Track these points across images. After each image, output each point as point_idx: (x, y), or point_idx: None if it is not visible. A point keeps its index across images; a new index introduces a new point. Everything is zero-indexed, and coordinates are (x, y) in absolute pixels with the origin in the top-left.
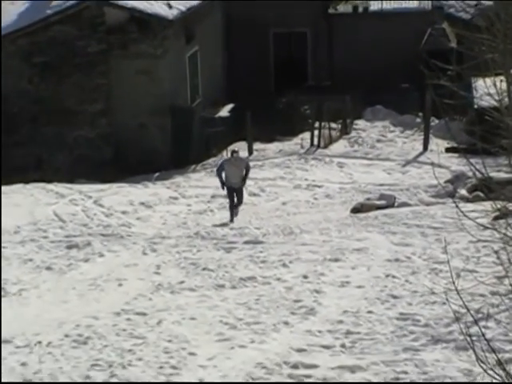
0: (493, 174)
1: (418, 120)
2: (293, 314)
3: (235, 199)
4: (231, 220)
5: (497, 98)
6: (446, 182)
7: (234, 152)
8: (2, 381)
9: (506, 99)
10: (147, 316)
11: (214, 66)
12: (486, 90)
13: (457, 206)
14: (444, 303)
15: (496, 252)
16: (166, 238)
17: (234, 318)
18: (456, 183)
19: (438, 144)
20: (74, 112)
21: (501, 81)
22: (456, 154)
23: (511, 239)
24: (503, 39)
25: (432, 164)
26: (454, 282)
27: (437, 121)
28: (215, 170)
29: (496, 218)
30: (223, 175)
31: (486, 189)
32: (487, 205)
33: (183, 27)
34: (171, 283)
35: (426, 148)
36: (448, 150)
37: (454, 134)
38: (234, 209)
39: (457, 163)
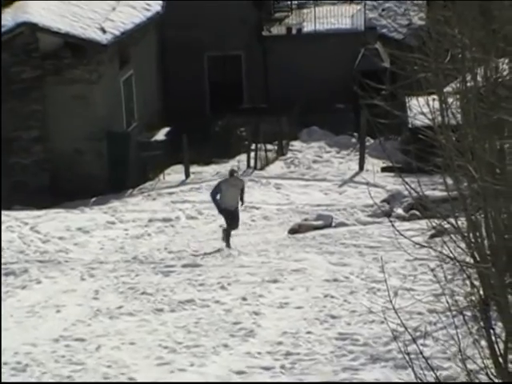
0: (428, 193)
1: (354, 140)
2: (232, 336)
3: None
4: (228, 245)
5: (430, 116)
6: (382, 201)
7: (233, 172)
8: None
9: (440, 118)
10: (86, 342)
11: (150, 89)
12: (420, 109)
13: (393, 225)
14: (382, 322)
15: (432, 270)
16: (104, 263)
17: (173, 341)
18: (392, 202)
19: (373, 164)
20: (9, 139)
21: (433, 99)
22: (392, 174)
23: (447, 257)
24: (435, 58)
25: (368, 184)
26: (391, 301)
27: (372, 141)
28: (210, 192)
29: (432, 236)
30: (218, 197)
31: (421, 207)
32: (423, 223)
33: (117, 52)
34: (110, 308)
35: (361, 168)
36: (384, 169)
37: (389, 154)
38: (229, 233)
39: (393, 182)
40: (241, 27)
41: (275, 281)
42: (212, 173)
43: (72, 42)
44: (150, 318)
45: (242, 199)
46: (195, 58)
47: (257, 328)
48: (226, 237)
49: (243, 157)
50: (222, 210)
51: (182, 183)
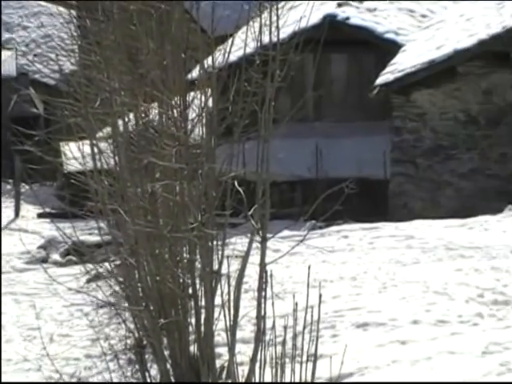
0: (84, 238)
1: (9, 187)
2: None
3: None
4: None
5: (82, 161)
6: (38, 247)
7: None
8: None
9: (91, 162)
10: None
11: None
12: (72, 154)
13: (46, 272)
14: (38, 369)
15: (87, 315)
16: None
17: None
18: (48, 248)
19: (29, 210)
20: None
21: (83, 144)
22: (48, 220)
23: (102, 301)
24: (85, 103)
25: (24, 230)
26: (45, 348)
27: (27, 187)
28: None
29: (88, 281)
30: None
31: (77, 253)
32: (80, 268)
33: None
34: None
35: (17, 215)
36: (40, 215)
37: (44, 200)
38: None
39: (49, 228)
40: None
41: None
42: None
43: None
44: None
45: None
46: None
47: None
48: None
49: None
50: None
51: None
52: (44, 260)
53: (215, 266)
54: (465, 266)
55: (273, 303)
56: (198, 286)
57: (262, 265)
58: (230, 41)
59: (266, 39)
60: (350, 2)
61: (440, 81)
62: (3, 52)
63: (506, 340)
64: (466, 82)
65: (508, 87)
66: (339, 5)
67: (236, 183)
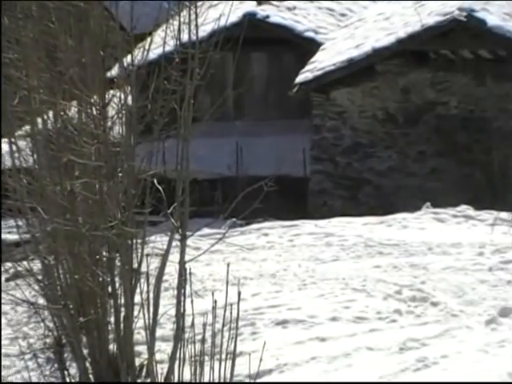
0: (3, 236)
1: None
2: None
3: None
4: None
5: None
6: None
7: None
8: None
9: (10, 161)
10: None
11: None
12: None
13: None
14: None
15: (5, 313)
16: None
17: None
18: None
19: None
20: None
21: (1, 142)
22: None
23: (21, 300)
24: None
25: None
26: None
27: None
28: None
29: (7, 280)
30: None
31: None
32: None
33: None
34: None
35: None
36: None
37: None
38: None
39: None
40: None
41: None
42: None
43: None
44: None
45: None
46: None
47: None
48: None
49: None
50: None
51: None
52: None
53: (135, 265)
54: (383, 263)
55: (192, 301)
56: (117, 285)
57: (182, 263)
58: (149, 39)
59: (185, 37)
60: (270, 1)
61: (359, 79)
62: None
63: (424, 336)
64: (385, 81)
65: (426, 86)
66: (259, 3)
67: (156, 181)
